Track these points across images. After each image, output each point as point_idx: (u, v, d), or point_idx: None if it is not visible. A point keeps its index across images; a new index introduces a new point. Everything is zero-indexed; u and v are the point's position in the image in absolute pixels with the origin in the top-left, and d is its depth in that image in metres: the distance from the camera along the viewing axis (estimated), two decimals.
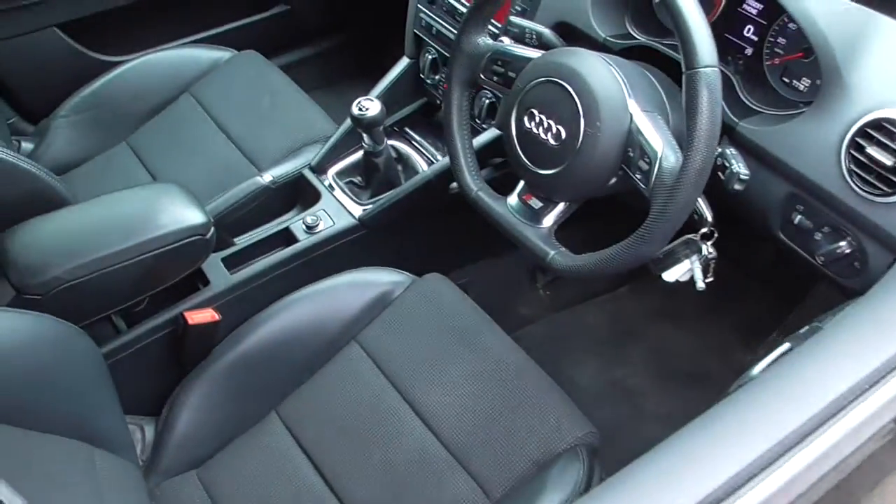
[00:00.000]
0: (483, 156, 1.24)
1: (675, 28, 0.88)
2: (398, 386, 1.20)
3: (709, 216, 1.05)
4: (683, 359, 1.66)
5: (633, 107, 0.97)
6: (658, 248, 0.94)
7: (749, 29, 1.14)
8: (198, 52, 1.80)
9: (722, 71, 1.11)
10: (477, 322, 1.26)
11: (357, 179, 1.50)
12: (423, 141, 1.58)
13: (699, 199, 1.05)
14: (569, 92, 0.98)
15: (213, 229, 1.23)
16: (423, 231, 1.51)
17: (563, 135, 0.99)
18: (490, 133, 1.34)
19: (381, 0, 2.01)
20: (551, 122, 1.00)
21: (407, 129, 1.61)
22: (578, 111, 0.97)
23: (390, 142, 1.51)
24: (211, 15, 1.98)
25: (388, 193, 1.42)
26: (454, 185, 1.45)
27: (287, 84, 1.73)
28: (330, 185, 1.48)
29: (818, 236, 1.01)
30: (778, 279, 1.66)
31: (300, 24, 2.11)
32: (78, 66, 1.81)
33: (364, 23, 2.20)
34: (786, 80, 1.10)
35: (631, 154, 0.96)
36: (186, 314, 1.26)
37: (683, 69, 0.87)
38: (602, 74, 0.98)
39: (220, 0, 1.99)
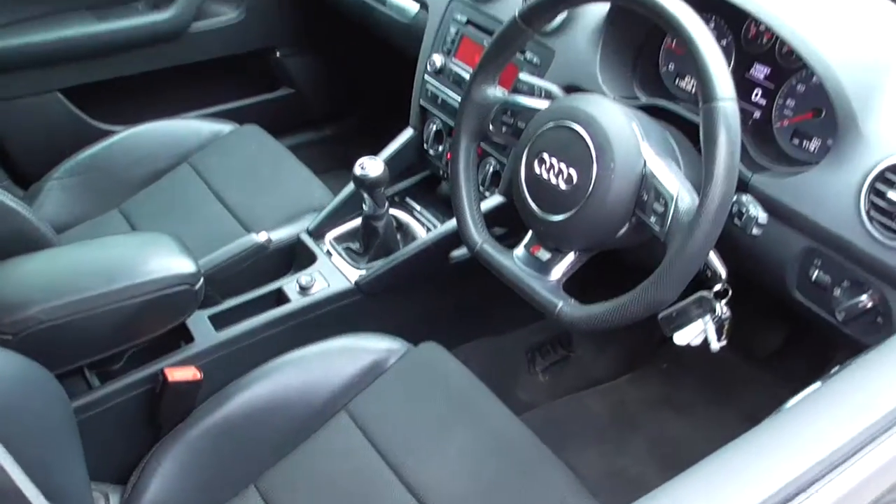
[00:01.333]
0: (486, 222, 1.21)
1: (692, 62, 0.86)
2: (390, 461, 1.11)
3: (723, 272, 1.01)
4: (687, 449, 1.57)
5: (647, 150, 0.94)
6: (673, 295, 0.89)
7: (757, 93, 1.13)
8: (199, 123, 1.79)
9: None
10: (475, 393, 1.19)
11: (355, 245, 1.46)
12: (424, 211, 1.55)
13: (713, 255, 1.01)
14: (581, 135, 0.96)
15: (201, 280, 1.18)
16: (421, 300, 1.45)
17: (575, 178, 0.96)
18: (494, 200, 1.31)
19: (385, 83, 2.03)
20: (562, 166, 0.97)
21: (408, 200, 1.58)
22: (591, 153, 0.94)
23: (392, 211, 1.48)
24: (217, 92, 1.99)
25: (385, 258, 1.38)
26: (454, 253, 1.41)
27: (287, 156, 1.72)
28: (328, 251, 1.44)
29: (838, 292, 0.97)
30: (786, 366, 1.60)
31: (306, 107, 2.13)
32: (77, 133, 1.80)
33: (369, 108, 2.22)
34: (795, 141, 1.09)
35: (645, 198, 0.93)
36: (167, 371, 1.18)
37: (700, 103, 0.85)
38: (615, 117, 0.96)
39: (227, 78, 2.01)
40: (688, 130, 1.06)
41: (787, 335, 1.61)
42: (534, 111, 1.06)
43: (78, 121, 1.82)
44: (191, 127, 1.77)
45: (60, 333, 1.06)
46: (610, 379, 1.71)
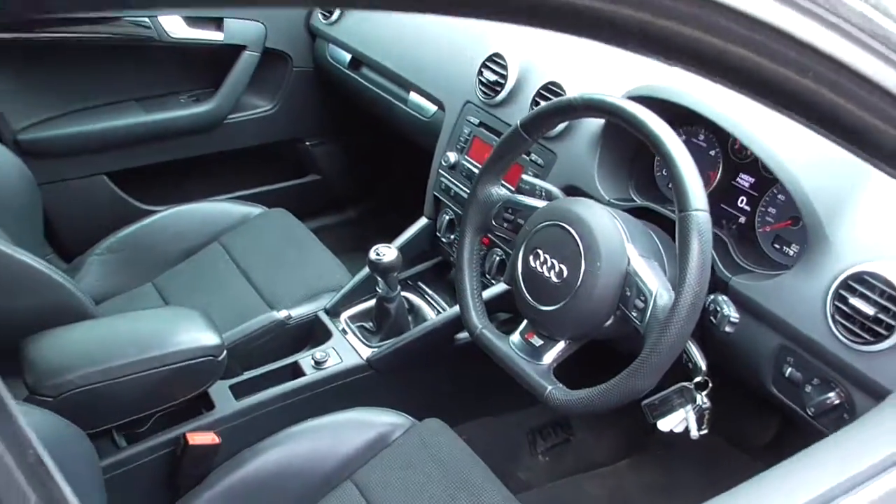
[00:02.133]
0: (491, 308, 1.30)
1: (669, 175, 0.97)
2: None
3: (703, 365, 1.09)
4: None
5: (631, 251, 1.05)
6: (650, 384, 0.98)
7: (742, 200, 1.24)
8: (231, 206, 1.93)
9: (717, 233, 1.20)
10: (474, 470, 1.26)
11: (368, 325, 1.56)
12: (434, 295, 1.66)
13: (693, 347, 1.10)
14: (572, 234, 1.06)
15: (224, 353, 1.28)
16: (428, 378, 1.54)
17: (565, 273, 1.06)
18: (499, 287, 1.42)
19: (403, 173, 2.18)
20: (555, 262, 1.08)
21: (420, 284, 1.69)
22: (580, 251, 1.05)
23: (404, 293, 1.59)
24: (249, 177, 2.15)
25: (396, 338, 1.48)
26: (460, 335, 1.50)
27: (311, 239, 1.85)
28: (343, 329, 1.54)
29: (808, 388, 1.05)
30: (780, 455, 1.65)
31: (330, 193, 2.28)
32: (118, 212, 1.95)
33: (389, 195, 2.36)
34: (776, 246, 1.19)
35: (628, 293, 1.03)
36: (188, 435, 1.28)
37: (676, 212, 0.96)
38: (603, 220, 1.07)
39: (259, 164, 2.17)
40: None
41: (780, 425, 1.66)
42: (533, 209, 1.18)
43: (120, 201, 1.97)
44: (223, 209, 1.91)
45: (95, 397, 1.16)
46: (609, 463, 1.77)
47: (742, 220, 1.23)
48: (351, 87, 1.99)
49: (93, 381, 1.15)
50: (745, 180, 1.24)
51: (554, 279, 1.07)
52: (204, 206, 1.91)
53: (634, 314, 1.01)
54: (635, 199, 1.31)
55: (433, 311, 1.62)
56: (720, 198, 1.26)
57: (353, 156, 2.28)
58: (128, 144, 1.95)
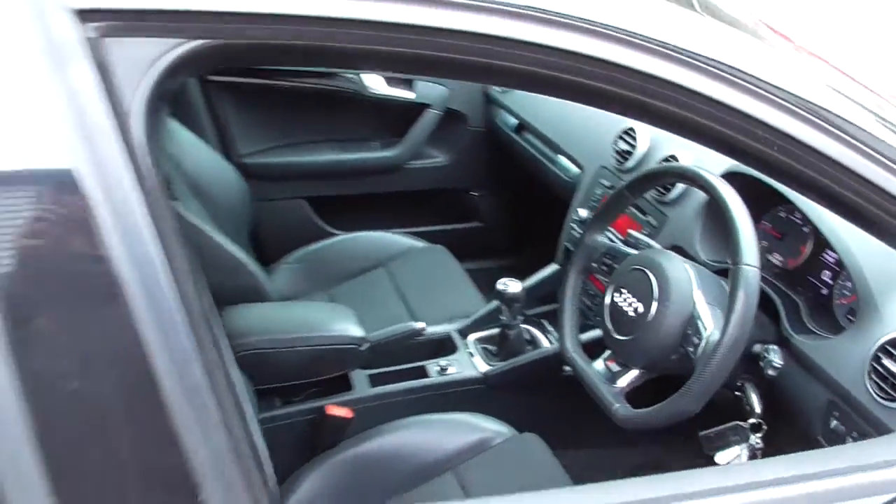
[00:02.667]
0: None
1: (729, 230, 1.15)
2: None
3: (758, 408, 1.24)
4: None
5: (699, 297, 1.23)
6: (695, 407, 1.15)
7: (826, 273, 1.37)
8: (400, 238, 2.26)
9: (793, 297, 1.35)
10: (566, 485, 1.44)
11: (492, 347, 1.81)
12: (554, 332, 1.88)
13: (751, 391, 1.25)
14: (650, 277, 1.26)
15: (367, 345, 1.58)
16: (533, 400, 1.75)
17: (640, 309, 1.26)
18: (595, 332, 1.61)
19: (551, 223, 2.40)
20: (633, 300, 1.28)
21: (543, 321, 1.91)
22: (654, 292, 1.25)
23: (527, 326, 1.82)
24: (419, 215, 2.49)
25: (512, 359, 1.71)
26: (568, 368, 1.71)
27: (461, 274, 2.13)
28: (469, 351, 1.80)
29: (849, 440, 1.16)
30: None
31: (487, 238, 2.57)
32: (310, 231, 2.35)
33: (537, 241, 2.61)
34: (850, 317, 1.31)
35: (689, 332, 1.21)
36: (327, 406, 1.58)
37: (730, 263, 1.14)
38: (678, 270, 1.26)
39: (429, 205, 2.50)
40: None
41: None
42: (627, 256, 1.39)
43: (312, 222, 2.38)
44: (393, 240, 2.25)
45: (263, 359, 1.50)
46: None
47: (824, 291, 1.36)
48: (515, 147, 2.28)
49: (263, 347, 1.49)
50: (830, 256, 1.37)
51: (631, 313, 1.27)
52: (377, 235, 2.26)
53: (690, 349, 1.19)
54: (728, 261, 1.47)
55: (551, 345, 1.83)
56: (807, 269, 1.40)
57: (510, 207, 2.56)
58: (325, 176, 2.36)
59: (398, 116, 2.37)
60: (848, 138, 0.76)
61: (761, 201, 1.43)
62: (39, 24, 0.60)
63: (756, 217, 1.49)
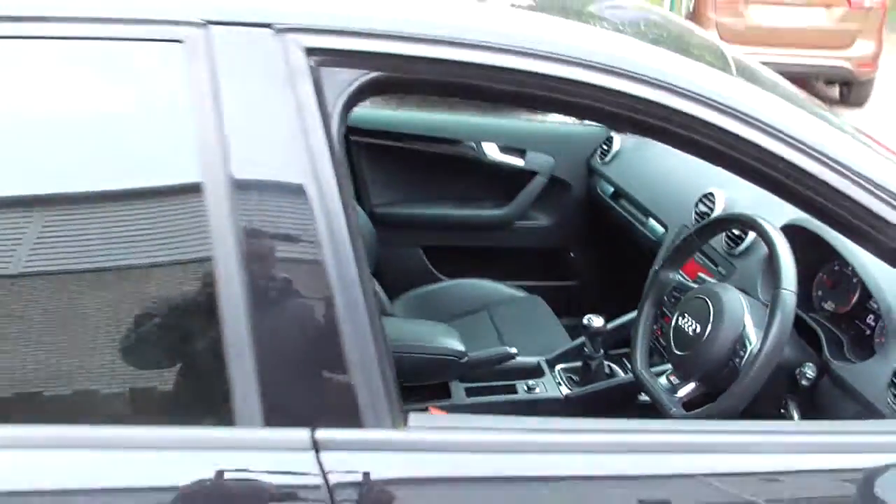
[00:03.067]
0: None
1: (772, 261, 1.39)
2: None
3: (797, 419, 1.43)
4: None
5: (748, 320, 1.46)
6: (738, 405, 1.36)
7: (871, 318, 1.57)
8: (502, 287, 2.55)
9: (837, 334, 1.55)
10: None
11: (575, 377, 2.05)
12: None
13: (793, 408, 1.46)
14: (708, 304, 1.50)
15: (466, 359, 1.86)
16: None
17: (698, 329, 1.50)
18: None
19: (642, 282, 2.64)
20: (693, 320, 1.52)
21: (624, 360, 2.14)
22: (710, 316, 1.48)
23: (608, 362, 2.06)
24: (522, 270, 2.77)
25: (591, 385, 1.95)
26: (642, 396, 1.93)
27: (554, 321, 2.39)
28: (557, 378, 2.05)
29: None
30: None
31: (583, 297, 2.82)
32: (422, 275, 2.68)
33: (629, 302, 2.83)
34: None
35: (737, 348, 1.43)
36: (431, 408, 1.87)
37: (772, 288, 1.37)
38: (733, 299, 1.49)
39: (532, 261, 2.80)
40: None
41: None
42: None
43: (425, 267, 2.71)
44: (495, 288, 2.54)
45: None
46: None
47: (868, 332, 1.56)
48: (611, 212, 2.56)
49: None
50: (874, 304, 1.57)
51: (690, 333, 1.51)
52: (483, 282, 2.56)
53: (738, 360, 1.41)
54: None
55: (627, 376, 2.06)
56: (854, 314, 1.59)
57: (604, 266, 2.82)
58: (441, 229, 2.70)
59: (509, 181, 2.70)
60: (836, 166, 1.02)
61: (819, 256, 1.65)
62: (284, 58, 0.95)
63: (814, 270, 1.72)
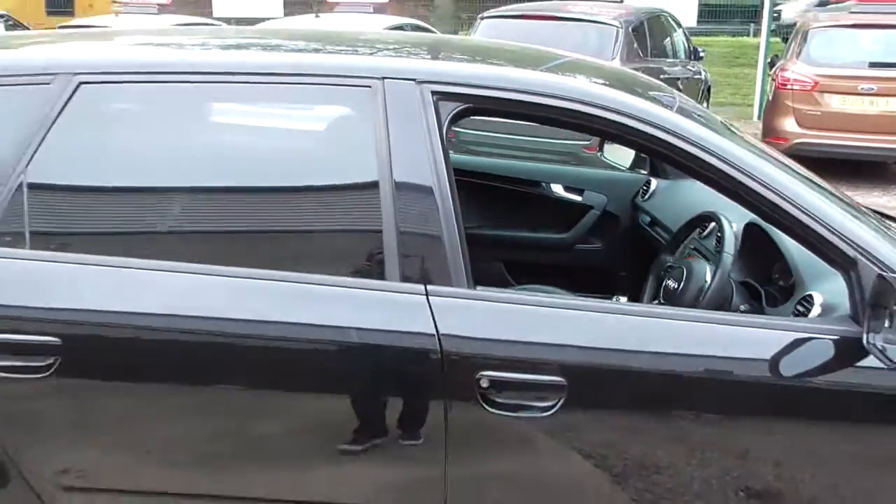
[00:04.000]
0: None
1: (718, 240, 2.17)
2: None
3: None
4: None
5: (708, 278, 2.22)
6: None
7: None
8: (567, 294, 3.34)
9: (773, 293, 2.28)
10: None
11: None
12: None
13: None
14: (684, 271, 2.27)
15: None
16: None
17: (678, 287, 2.27)
18: None
19: None
20: (675, 281, 2.29)
21: None
22: (683, 277, 2.26)
23: None
24: (579, 286, 3.56)
25: None
26: None
27: None
28: None
29: None
30: None
31: None
32: (500, 285, 3.50)
33: None
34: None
35: (700, 296, 2.20)
36: None
37: (716, 252, 2.14)
38: (700, 267, 2.26)
39: (587, 281, 3.58)
40: None
41: None
42: None
43: (504, 278, 3.53)
44: (559, 293, 3.33)
45: None
46: None
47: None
48: (649, 237, 3.33)
49: None
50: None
51: (672, 289, 2.28)
52: (548, 289, 3.35)
53: (701, 300, 2.17)
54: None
55: None
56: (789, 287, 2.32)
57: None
58: (516, 248, 3.53)
59: (570, 213, 3.52)
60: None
61: (769, 249, 2.39)
62: (421, 97, 1.85)
63: (774, 260, 2.46)
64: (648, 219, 3.35)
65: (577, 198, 3.50)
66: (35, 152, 1.84)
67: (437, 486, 1.81)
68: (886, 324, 1.67)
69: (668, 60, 9.07)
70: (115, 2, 11.11)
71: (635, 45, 7.88)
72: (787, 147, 8.38)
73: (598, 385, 1.80)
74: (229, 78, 1.95)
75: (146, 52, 2.27)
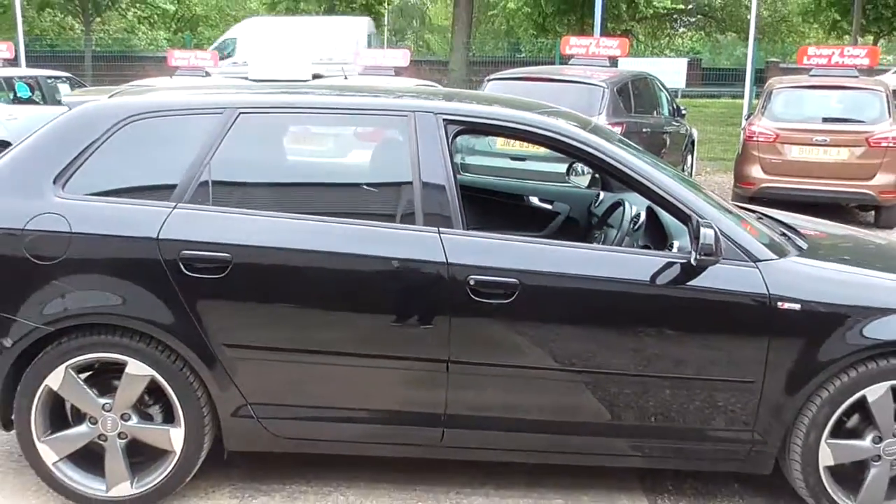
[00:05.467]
0: None
1: (623, 209, 3.52)
2: None
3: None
4: None
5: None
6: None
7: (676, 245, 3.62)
8: None
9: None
10: None
11: None
12: None
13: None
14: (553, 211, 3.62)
15: None
16: None
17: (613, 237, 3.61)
18: None
19: None
20: (603, 235, 3.63)
21: None
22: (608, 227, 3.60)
23: None
24: None
25: None
26: None
27: None
28: None
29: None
30: None
31: None
32: None
33: None
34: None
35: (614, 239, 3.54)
36: None
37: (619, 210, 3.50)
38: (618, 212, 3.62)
39: None
40: None
41: None
42: None
43: None
44: None
45: None
46: None
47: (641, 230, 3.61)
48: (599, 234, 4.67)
49: None
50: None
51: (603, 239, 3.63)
52: None
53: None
54: None
55: None
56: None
57: None
58: None
59: (544, 218, 4.85)
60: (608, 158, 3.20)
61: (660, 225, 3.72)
62: (437, 123, 3.25)
63: (664, 236, 3.79)
64: (597, 220, 4.70)
65: (549, 207, 4.86)
66: (214, 153, 3.24)
67: (444, 347, 3.14)
68: (694, 246, 3.01)
69: (651, 116, 10.47)
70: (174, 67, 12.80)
71: (620, 103, 9.28)
72: (755, 191, 9.76)
73: (538, 286, 3.14)
74: (328, 112, 3.54)
75: (275, 97, 3.68)
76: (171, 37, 45.57)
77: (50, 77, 13.22)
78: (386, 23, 37.44)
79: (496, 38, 35.27)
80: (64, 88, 12.92)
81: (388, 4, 32.90)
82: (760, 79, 17.76)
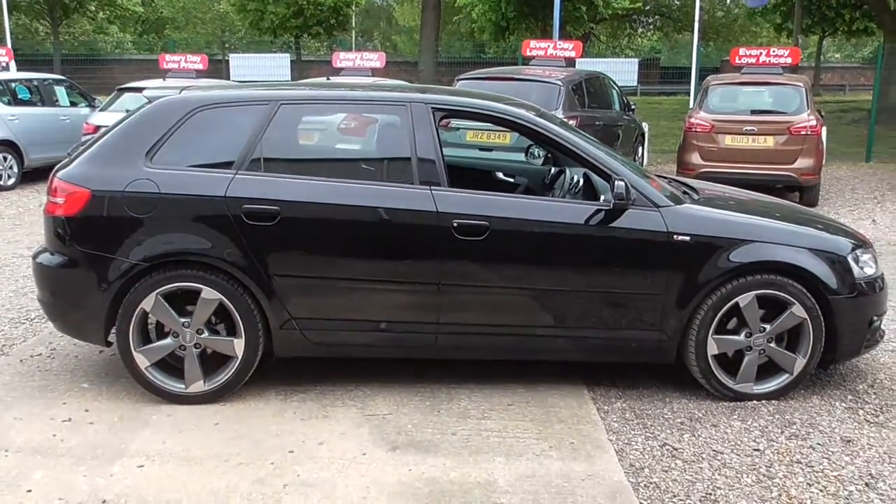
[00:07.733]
0: None
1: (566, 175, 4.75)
2: None
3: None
4: None
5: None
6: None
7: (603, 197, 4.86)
8: None
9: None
10: None
11: None
12: None
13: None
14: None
15: None
16: None
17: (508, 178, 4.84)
18: None
19: None
20: (560, 190, 4.86)
21: None
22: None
23: None
24: None
25: None
26: None
27: None
28: None
29: None
30: None
31: None
32: None
33: None
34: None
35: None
36: None
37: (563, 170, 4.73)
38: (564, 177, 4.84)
39: None
40: None
41: None
42: None
43: None
44: None
45: None
46: None
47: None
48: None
49: None
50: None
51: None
52: None
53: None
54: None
55: None
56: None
57: None
58: None
59: (507, 189, 6.05)
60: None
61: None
62: (427, 110, 4.48)
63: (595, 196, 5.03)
64: (548, 185, 5.93)
65: (511, 180, 6.07)
66: (263, 133, 4.41)
67: (436, 273, 4.34)
68: (612, 195, 4.27)
69: (603, 111, 11.74)
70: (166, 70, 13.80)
71: (575, 99, 10.52)
72: (694, 176, 11.02)
73: (504, 228, 4.35)
74: (346, 103, 4.83)
75: (307, 92, 4.87)
76: (137, 39, 45.93)
77: (47, 80, 14.11)
78: (353, 24, 38.41)
79: (462, 40, 36.48)
80: (60, 91, 13.83)
81: (356, 6, 33.88)
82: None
